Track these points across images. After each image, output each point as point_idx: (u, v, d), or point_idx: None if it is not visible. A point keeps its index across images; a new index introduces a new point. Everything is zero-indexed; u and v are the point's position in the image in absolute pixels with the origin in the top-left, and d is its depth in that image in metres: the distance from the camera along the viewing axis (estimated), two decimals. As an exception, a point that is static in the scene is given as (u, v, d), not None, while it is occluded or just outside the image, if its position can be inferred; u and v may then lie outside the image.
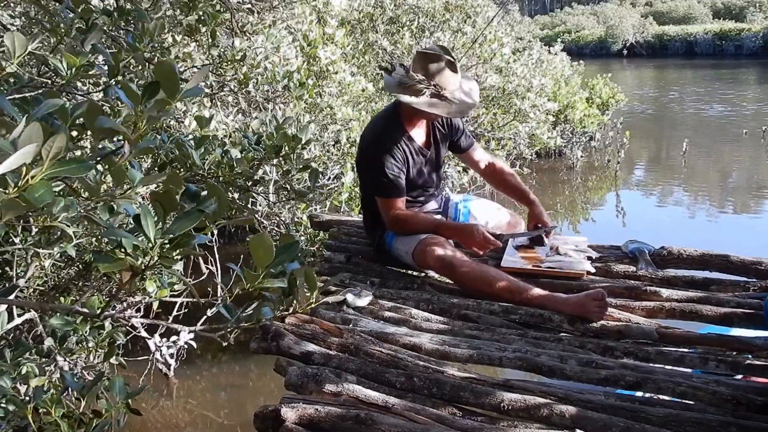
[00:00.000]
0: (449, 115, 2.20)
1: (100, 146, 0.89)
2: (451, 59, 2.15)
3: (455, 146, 2.45)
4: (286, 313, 0.92)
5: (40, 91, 1.20)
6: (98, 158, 0.79)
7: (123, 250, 0.71)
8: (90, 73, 1.15)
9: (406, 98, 2.13)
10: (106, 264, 0.71)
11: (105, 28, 1.42)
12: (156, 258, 0.73)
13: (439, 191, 2.50)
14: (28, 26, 2.25)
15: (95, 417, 1.06)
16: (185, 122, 2.69)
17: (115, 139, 0.90)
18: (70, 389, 1.14)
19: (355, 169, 2.46)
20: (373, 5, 5.76)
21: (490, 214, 2.52)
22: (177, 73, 0.77)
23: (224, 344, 1.05)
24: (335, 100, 3.61)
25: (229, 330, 0.95)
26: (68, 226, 0.97)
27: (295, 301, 0.92)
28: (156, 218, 0.73)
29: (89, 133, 0.91)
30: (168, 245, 0.73)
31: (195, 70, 2.57)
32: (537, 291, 1.94)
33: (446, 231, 2.22)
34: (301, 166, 1.48)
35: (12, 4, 2.24)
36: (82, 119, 0.84)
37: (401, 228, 2.24)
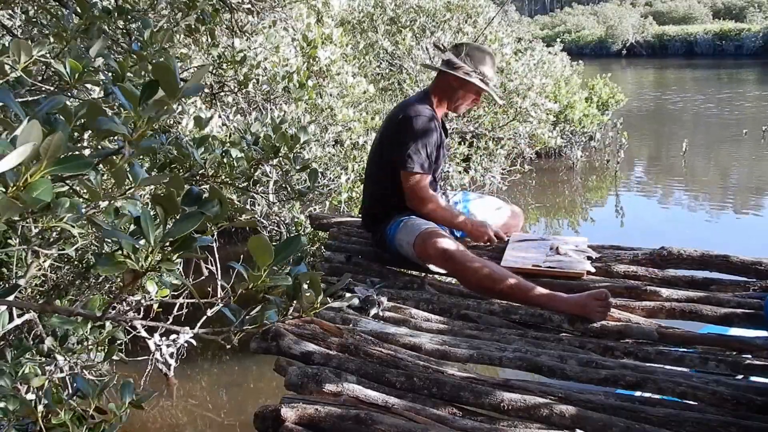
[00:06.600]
0: (498, 98, 2.50)
1: (100, 147, 0.89)
2: (492, 54, 2.38)
3: None
4: (290, 317, 0.92)
5: (43, 96, 1.20)
6: (99, 159, 0.78)
7: (123, 252, 0.71)
8: (94, 79, 1.14)
9: (464, 75, 2.26)
10: (107, 267, 0.71)
11: (106, 29, 1.42)
12: (157, 260, 0.73)
13: (436, 184, 2.47)
14: (26, 26, 2.24)
15: (100, 414, 1.06)
16: (182, 123, 2.69)
17: (114, 139, 0.90)
18: (70, 390, 1.14)
19: (379, 146, 2.37)
20: (373, 5, 5.75)
21: (488, 213, 2.51)
22: (176, 71, 0.76)
23: (228, 346, 1.05)
24: (336, 101, 3.60)
25: (233, 332, 0.94)
26: (73, 227, 0.97)
27: (297, 304, 0.92)
28: (157, 221, 0.72)
29: (89, 135, 0.91)
30: (169, 248, 0.73)
31: (194, 69, 2.57)
32: (540, 290, 1.94)
33: (462, 226, 2.35)
34: (300, 167, 1.48)
35: (12, 4, 2.24)
36: (83, 120, 0.83)
37: (423, 205, 2.27)
